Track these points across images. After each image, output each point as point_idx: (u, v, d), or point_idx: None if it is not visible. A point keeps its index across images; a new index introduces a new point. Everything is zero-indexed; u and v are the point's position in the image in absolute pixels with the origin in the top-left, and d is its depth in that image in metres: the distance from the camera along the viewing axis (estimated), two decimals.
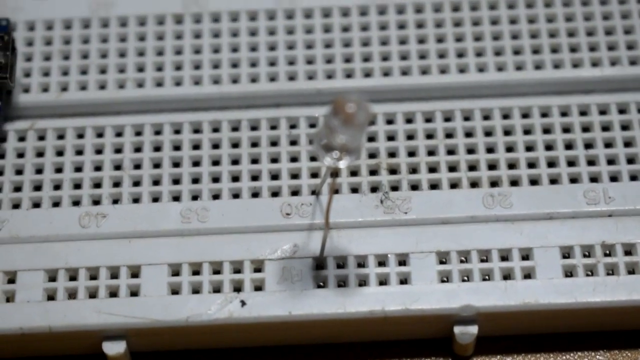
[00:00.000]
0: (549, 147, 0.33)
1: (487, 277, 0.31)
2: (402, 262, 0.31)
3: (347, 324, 0.30)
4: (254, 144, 0.33)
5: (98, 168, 0.33)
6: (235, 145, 0.33)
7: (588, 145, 0.33)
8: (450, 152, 0.33)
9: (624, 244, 0.31)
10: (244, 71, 0.34)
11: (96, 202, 0.32)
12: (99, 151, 0.33)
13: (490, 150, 0.33)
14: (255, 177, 0.33)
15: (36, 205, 0.32)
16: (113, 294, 0.31)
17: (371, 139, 0.33)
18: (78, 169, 0.33)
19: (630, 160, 0.33)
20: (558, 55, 0.34)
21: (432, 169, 0.33)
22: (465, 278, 0.31)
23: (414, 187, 0.32)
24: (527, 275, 0.31)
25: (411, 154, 0.33)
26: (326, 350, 0.31)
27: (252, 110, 0.34)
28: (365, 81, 0.34)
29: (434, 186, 0.32)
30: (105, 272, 0.31)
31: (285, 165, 0.33)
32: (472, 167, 0.33)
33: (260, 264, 0.31)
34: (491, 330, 0.31)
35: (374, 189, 0.32)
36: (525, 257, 0.31)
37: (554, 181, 0.32)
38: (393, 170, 0.33)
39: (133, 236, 0.32)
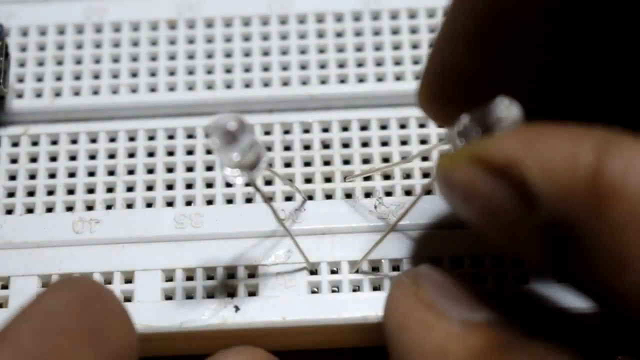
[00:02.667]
0: None
1: (480, 282, 0.31)
2: (396, 268, 0.31)
3: (341, 330, 0.30)
4: None
5: (92, 174, 0.33)
6: None
7: None
8: None
9: None
10: (238, 77, 0.34)
11: (90, 208, 0.32)
12: (92, 157, 0.33)
13: None
14: (248, 183, 0.33)
15: (30, 210, 0.32)
16: None
17: (365, 144, 0.33)
18: (72, 175, 0.33)
19: None
20: None
21: (426, 175, 0.33)
22: None
23: (408, 192, 0.32)
24: (521, 281, 0.31)
25: (405, 159, 0.33)
26: (320, 356, 0.31)
27: (246, 116, 0.34)
28: (359, 86, 0.34)
29: (427, 192, 0.32)
30: (99, 278, 0.31)
31: (279, 170, 0.33)
32: None
33: (254, 269, 0.31)
34: None
35: (368, 195, 0.32)
36: (519, 262, 0.31)
37: None
38: (387, 176, 0.33)
39: (127, 242, 0.32)
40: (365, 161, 0.33)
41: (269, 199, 0.30)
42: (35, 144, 0.34)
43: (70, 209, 0.32)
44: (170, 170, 0.33)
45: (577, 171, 0.22)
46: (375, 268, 0.31)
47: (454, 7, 0.27)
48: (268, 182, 0.33)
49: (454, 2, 0.27)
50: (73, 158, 0.33)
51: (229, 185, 0.33)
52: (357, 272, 0.31)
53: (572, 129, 0.23)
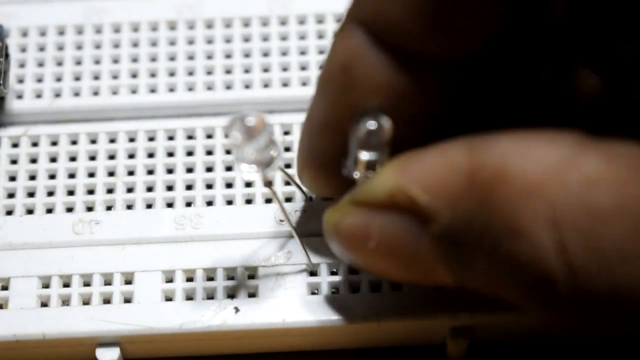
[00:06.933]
0: None
1: None
2: None
3: (340, 331, 0.30)
4: None
5: (92, 174, 0.33)
6: (229, 152, 0.33)
7: None
8: None
9: None
10: (238, 77, 0.34)
11: (90, 209, 0.32)
12: (92, 158, 0.33)
13: None
14: (249, 184, 0.33)
15: (30, 211, 0.32)
16: (107, 300, 0.31)
17: None
18: (72, 176, 0.33)
19: None
20: None
21: None
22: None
23: None
24: None
25: None
26: (320, 357, 0.31)
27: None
28: None
29: None
30: (98, 279, 0.31)
31: (278, 172, 0.33)
32: None
33: (254, 270, 0.31)
34: (485, 336, 0.31)
35: None
36: None
37: None
38: None
39: (127, 243, 0.32)
40: None
41: (278, 198, 0.30)
42: (35, 144, 0.34)
43: (70, 210, 0.32)
44: (170, 171, 0.33)
45: (454, 175, 0.24)
46: None
47: (315, 99, 0.29)
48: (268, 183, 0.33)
49: (315, 95, 0.29)
50: (73, 159, 0.33)
51: (229, 186, 0.33)
52: (355, 272, 0.31)
53: (438, 145, 0.25)
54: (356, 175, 0.27)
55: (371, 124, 0.26)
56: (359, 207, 0.26)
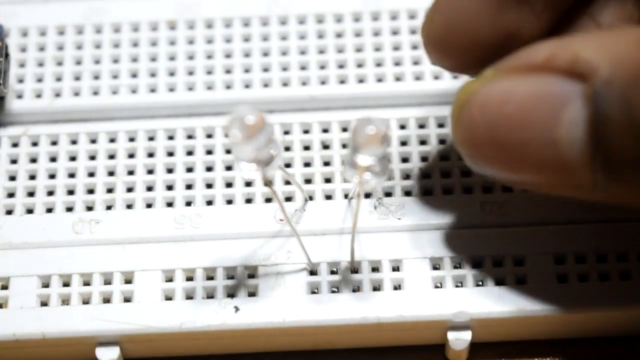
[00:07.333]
0: None
1: (480, 283, 0.31)
2: (396, 268, 0.31)
3: (340, 331, 0.30)
4: None
5: (92, 174, 0.33)
6: (229, 151, 0.33)
7: None
8: (444, 158, 0.33)
9: (617, 251, 0.31)
10: (238, 77, 0.34)
11: (90, 208, 0.32)
12: (92, 157, 0.33)
13: None
14: (248, 183, 0.33)
15: (30, 211, 0.32)
16: (107, 300, 0.31)
17: None
18: (72, 175, 0.33)
19: None
20: None
21: (426, 175, 0.33)
22: (459, 284, 0.31)
23: (408, 193, 0.32)
24: (520, 281, 0.31)
25: (405, 160, 0.33)
26: (320, 357, 0.31)
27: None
28: (358, 87, 0.34)
29: (427, 192, 0.32)
30: (98, 278, 0.31)
31: (278, 171, 0.33)
32: (466, 174, 0.33)
33: (254, 270, 0.31)
34: (485, 336, 0.31)
35: (368, 195, 0.32)
36: (519, 263, 0.31)
37: None
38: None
39: (126, 242, 0.32)
40: None
41: (278, 197, 0.30)
42: (35, 144, 0.34)
43: (70, 209, 0.32)
44: (170, 170, 0.33)
45: (620, 39, 0.23)
46: (375, 268, 0.31)
47: None
48: (268, 182, 0.33)
49: None
50: (73, 159, 0.33)
51: (228, 185, 0.33)
52: (355, 272, 0.31)
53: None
54: (354, 179, 0.27)
55: (370, 129, 0.26)
56: (506, 73, 0.24)
